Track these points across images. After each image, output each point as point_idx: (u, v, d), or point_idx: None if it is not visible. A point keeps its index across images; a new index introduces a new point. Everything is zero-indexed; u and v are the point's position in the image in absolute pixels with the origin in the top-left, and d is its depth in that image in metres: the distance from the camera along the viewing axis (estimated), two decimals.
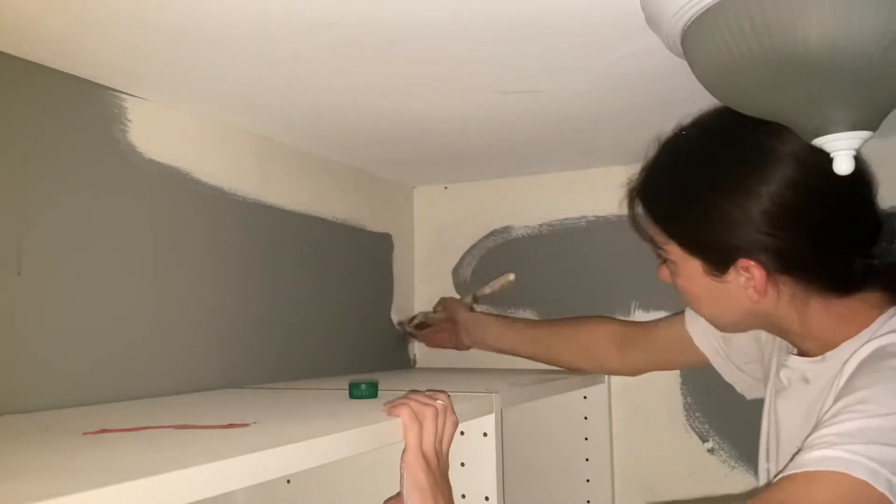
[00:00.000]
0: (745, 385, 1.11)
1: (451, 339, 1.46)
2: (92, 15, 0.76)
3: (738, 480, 1.34)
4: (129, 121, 1.00)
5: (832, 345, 0.85)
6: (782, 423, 0.92)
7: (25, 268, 0.87)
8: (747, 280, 0.85)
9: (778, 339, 0.98)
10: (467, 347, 1.44)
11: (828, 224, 0.83)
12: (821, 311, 0.85)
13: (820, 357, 0.87)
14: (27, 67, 0.88)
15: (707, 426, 1.37)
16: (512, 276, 1.46)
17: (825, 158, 0.73)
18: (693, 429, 1.38)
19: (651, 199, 0.93)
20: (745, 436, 1.31)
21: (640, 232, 0.97)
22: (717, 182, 0.85)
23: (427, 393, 0.84)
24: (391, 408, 0.78)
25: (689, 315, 1.15)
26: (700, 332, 1.14)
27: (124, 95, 0.99)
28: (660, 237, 0.92)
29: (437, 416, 0.79)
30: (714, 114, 0.92)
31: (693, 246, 0.88)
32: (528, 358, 1.38)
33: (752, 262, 0.83)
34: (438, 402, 0.81)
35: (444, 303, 1.51)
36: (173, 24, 0.79)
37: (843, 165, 0.72)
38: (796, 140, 0.78)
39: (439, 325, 1.47)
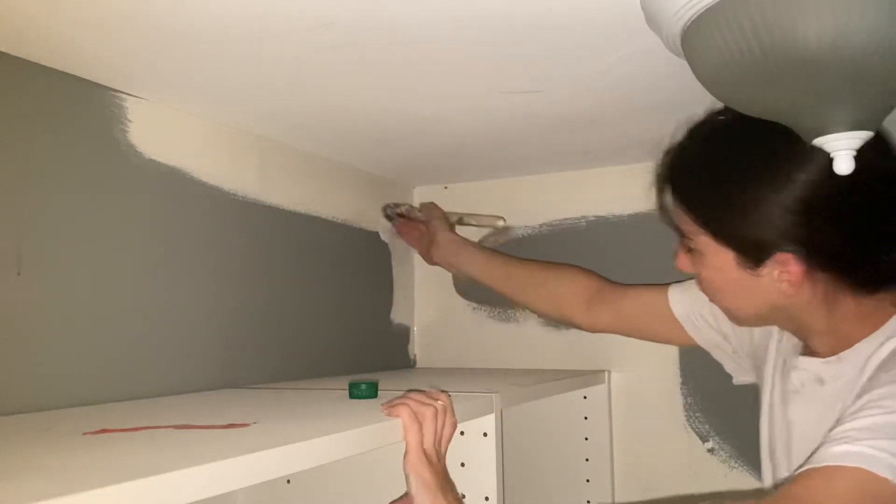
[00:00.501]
0: (732, 366, 1.10)
1: (419, 243, 1.46)
2: (92, 15, 0.76)
3: (738, 480, 1.33)
4: (129, 121, 1.00)
5: (848, 343, 0.84)
6: (795, 424, 0.91)
7: (25, 268, 0.87)
8: (781, 274, 0.81)
9: (776, 337, 0.97)
10: (434, 263, 1.44)
11: (865, 216, 0.80)
12: (849, 308, 0.83)
13: (835, 357, 0.85)
14: (27, 67, 0.88)
15: (707, 426, 1.37)
16: (501, 223, 1.47)
17: (864, 147, 0.71)
18: (693, 429, 1.38)
19: (683, 186, 0.89)
20: (745, 436, 1.31)
21: (666, 220, 0.93)
22: (755, 170, 0.81)
23: (427, 392, 0.84)
24: (390, 408, 0.78)
25: (675, 291, 1.12)
26: (684, 310, 1.11)
27: (124, 95, 0.99)
28: (689, 226, 0.88)
29: (436, 416, 0.79)
30: None
31: (728, 237, 0.84)
32: (496, 291, 1.36)
33: (791, 256, 0.80)
34: (438, 402, 0.81)
35: (428, 207, 1.48)
36: (173, 25, 0.79)
37: (843, 165, 0.72)
38: None
39: (416, 224, 1.47)
